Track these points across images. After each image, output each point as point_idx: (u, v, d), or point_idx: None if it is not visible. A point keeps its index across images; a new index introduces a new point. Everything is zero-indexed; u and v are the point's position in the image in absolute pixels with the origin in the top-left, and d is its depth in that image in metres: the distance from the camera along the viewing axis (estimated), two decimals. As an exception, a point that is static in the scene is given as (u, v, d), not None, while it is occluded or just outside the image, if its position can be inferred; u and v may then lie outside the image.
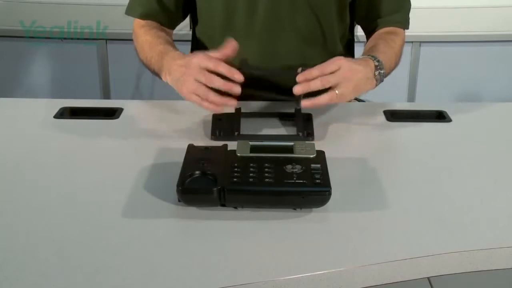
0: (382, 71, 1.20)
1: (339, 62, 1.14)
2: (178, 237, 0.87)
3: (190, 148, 1.01)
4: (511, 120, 1.30)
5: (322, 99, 1.13)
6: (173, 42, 1.32)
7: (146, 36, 1.32)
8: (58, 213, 0.91)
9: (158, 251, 0.82)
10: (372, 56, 1.21)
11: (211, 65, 1.11)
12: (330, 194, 0.90)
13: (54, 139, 1.16)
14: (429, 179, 1.03)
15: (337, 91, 1.13)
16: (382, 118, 1.26)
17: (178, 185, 0.91)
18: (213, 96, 1.11)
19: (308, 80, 1.12)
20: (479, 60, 2.40)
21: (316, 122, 1.20)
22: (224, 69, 1.11)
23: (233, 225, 0.88)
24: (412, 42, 2.34)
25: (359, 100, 1.59)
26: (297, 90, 1.12)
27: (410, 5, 1.38)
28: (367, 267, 0.80)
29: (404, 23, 1.38)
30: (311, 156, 0.98)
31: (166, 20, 1.38)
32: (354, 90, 1.16)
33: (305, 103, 1.12)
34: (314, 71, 1.13)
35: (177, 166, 0.95)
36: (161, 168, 1.03)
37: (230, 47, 1.14)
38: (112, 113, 1.26)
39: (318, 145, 1.03)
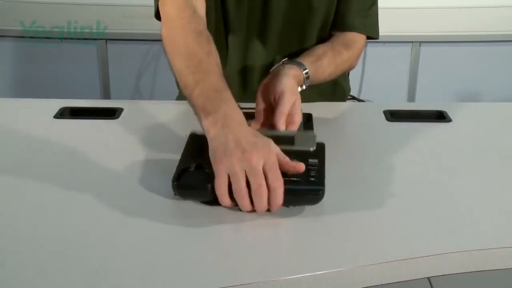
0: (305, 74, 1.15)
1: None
2: (177, 236, 0.87)
3: (192, 136, 1.01)
4: (511, 120, 1.30)
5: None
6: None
7: (191, 42, 1.08)
8: (58, 213, 0.91)
9: (157, 251, 0.82)
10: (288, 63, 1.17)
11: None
12: (323, 193, 0.89)
13: (54, 139, 1.16)
14: (429, 179, 1.03)
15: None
16: (382, 118, 1.26)
17: (173, 180, 0.91)
18: (245, 202, 0.88)
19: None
20: (479, 60, 2.40)
21: (316, 122, 1.19)
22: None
23: (233, 225, 0.88)
24: (412, 42, 2.34)
25: (359, 100, 1.59)
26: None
27: (377, 16, 1.33)
28: (367, 267, 0.80)
29: (368, 30, 1.32)
30: (311, 148, 0.96)
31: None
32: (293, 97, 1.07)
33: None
34: (280, 122, 1.03)
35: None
36: (161, 168, 1.03)
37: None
38: (112, 113, 1.26)
39: (318, 145, 1.03)
